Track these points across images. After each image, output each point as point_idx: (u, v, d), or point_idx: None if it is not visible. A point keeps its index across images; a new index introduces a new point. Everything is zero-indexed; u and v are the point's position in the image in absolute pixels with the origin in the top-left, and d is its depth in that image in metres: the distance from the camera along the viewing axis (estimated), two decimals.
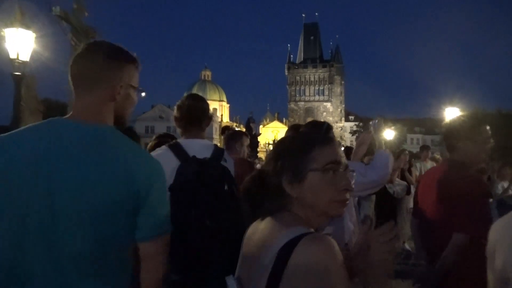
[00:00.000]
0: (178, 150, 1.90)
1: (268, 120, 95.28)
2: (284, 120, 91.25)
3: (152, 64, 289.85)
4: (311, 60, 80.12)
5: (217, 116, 73.44)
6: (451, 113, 17.38)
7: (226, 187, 1.87)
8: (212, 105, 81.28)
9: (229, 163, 2.02)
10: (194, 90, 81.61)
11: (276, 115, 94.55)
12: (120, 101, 1.19)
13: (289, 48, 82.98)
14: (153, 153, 1.86)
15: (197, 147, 1.93)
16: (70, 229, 1.02)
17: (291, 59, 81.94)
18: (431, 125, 68.03)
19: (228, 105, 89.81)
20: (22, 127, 1.15)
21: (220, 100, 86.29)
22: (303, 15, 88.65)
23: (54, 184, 1.02)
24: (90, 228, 1.03)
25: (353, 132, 66.77)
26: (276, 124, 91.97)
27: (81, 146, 1.07)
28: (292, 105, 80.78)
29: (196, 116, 2.06)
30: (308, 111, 79.14)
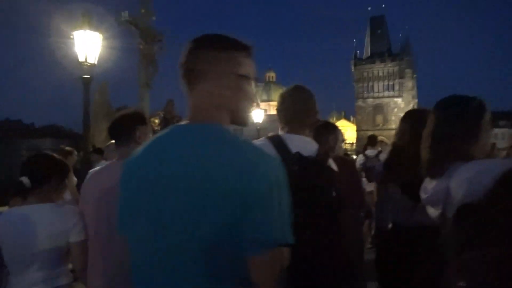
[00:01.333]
0: (279, 144, 1.66)
1: (334, 119, 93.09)
2: (351, 119, 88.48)
3: None
4: (378, 55, 76.41)
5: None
6: None
7: (334, 193, 1.60)
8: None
9: (332, 164, 1.77)
10: (259, 93, 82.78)
11: (342, 113, 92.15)
12: (231, 95, 1.05)
13: (354, 44, 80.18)
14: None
15: (300, 143, 1.69)
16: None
17: (357, 55, 78.92)
18: None
19: None
20: (148, 143, 1.09)
21: None
22: (369, 8, 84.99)
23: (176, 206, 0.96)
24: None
25: None
26: (343, 122, 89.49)
27: (199, 149, 0.98)
28: (359, 102, 77.69)
29: (300, 109, 1.87)
30: (377, 108, 75.51)
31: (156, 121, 11.70)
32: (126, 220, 1.08)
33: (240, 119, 1.10)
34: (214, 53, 1.04)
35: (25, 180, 1.87)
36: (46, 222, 1.83)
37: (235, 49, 1.06)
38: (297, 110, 1.86)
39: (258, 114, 16.16)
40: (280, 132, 1.85)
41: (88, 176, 2.02)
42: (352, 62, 78.01)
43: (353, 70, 77.91)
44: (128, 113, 2.01)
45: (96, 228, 1.80)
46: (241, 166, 0.91)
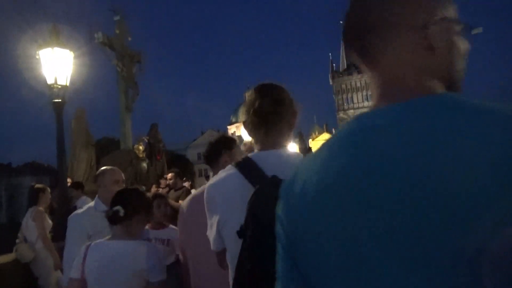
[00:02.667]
0: (248, 170, 1.24)
1: (317, 133, 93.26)
2: (333, 131, 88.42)
3: (199, 89, 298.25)
4: (355, 66, 77.51)
5: None
6: None
7: None
8: None
9: None
10: (239, 112, 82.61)
11: (324, 126, 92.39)
12: (441, 53, 0.67)
13: (330, 57, 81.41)
14: (214, 178, 1.39)
15: (277, 162, 1.23)
16: None
17: (334, 68, 79.87)
18: None
19: None
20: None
21: None
22: (341, 22, 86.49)
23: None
24: None
25: None
26: (325, 136, 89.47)
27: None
28: (341, 114, 78.29)
29: (270, 116, 1.32)
30: None
31: (141, 147, 10.84)
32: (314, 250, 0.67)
33: (456, 85, 0.70)
34: None
35: (120, 209, 2.02)
36: (130, 259, 1.93)
37: None
38: (267, 118, 1.33)
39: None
40: (252, 153, 1.34)
41: (187, 202, 2.22)
42: (330, 75, 78.89)
43: (331, 83, 78.73)
44: (216, 138, 2.16)
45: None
46: None
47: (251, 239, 1.05)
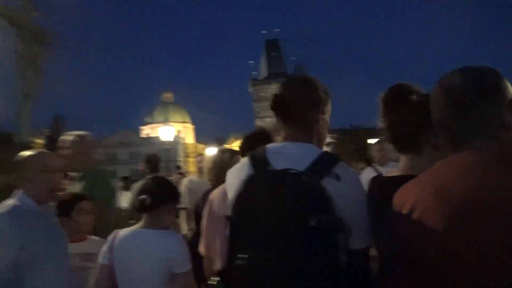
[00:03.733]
0: (257, 158, 1.32)
1: (234, 138, 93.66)
2: None
3: (113, 88, 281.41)
4: (274, 76, 79.82)
5: (182, 138, 71.64)
6: None
7: (312, 222, 1.08)
8: (176, 127, 79.10)
9: (346, 181, 1.23)
10: (156, 113, 79.65)
11: (242, 134, 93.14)
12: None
13: (251, 65, 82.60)
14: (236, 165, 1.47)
15: (292, 154, 1.29)
16: None
17: (254, 76, 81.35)
18: None
19: (193, 127, 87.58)
20: None
21: (184, 122, 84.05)
22: (263, 31, 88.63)
23: None
24: None
25: (328, 144, 66.23)
26: None
27: None
28: (258, 122, 79.55)
29: (292, 107, 1.40)
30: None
31: (40, 142, 9.23)
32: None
33: None
34: None
35: (146, 198, 1.99)
36: (157, 248, 1.93)
37: None
38: (289, 110, 1.41)
39: (168, 131, 14.07)
40: (272, 144, 1.43)
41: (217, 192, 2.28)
42: (249, 83, 79.99)
43: (250, 90, 79.82)
44: (253, 132, 2.37)
45: None
46: None
47: (231, 223, 1.20)
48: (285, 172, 1.16)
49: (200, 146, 73.54)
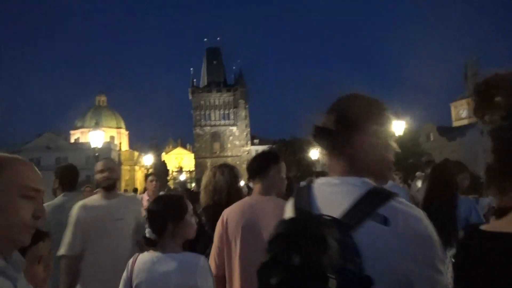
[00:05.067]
0: (300, 197, 1.13)
1: (171, 146, 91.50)
2: (188, 146, 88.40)
3: (40, 87, 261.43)
4: (215, 84, 79.44)
5: (116, 145, 68.31)
6: (397, 126, 17.18)
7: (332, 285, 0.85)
8: (109, 132, 75.40)
9: (398, 226, 0.93)
10: (88, 117, 75.30)
11: (179, 141, 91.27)
12: None
13: (192, 72, 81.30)
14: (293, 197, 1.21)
15: (333, 193, 1.06)
16: None
17: (195, 83, 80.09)
18: None
19: (127, 133, 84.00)
20: None
21: (118, 127, 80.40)
22: (205, 39, 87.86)
23: None
24: None
25: None
26: (179, 150, 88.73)
27: None
28: (197, 130, 78.44)
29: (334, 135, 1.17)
30: (214, 135, 77.85)
31: None
32: None
33: None
34: None
35: (149, 232, 1.95)
36: (179, 273, 1.87)
37: None
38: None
39: (98, 136, 12.92)
40: (320, 179, 1.16)
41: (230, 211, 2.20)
42: (190, 90, 78.74)
43: (190, 98, 78.60)
44: (261, 153, 2.41)
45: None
46: None
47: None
48: (316, 218, 0.96)
49: (135, 153, 71.35)
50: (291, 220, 1.00)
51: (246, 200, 2.31)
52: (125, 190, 14.96)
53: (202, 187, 2.81)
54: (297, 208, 1.10)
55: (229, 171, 2.73)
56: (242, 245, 2.12)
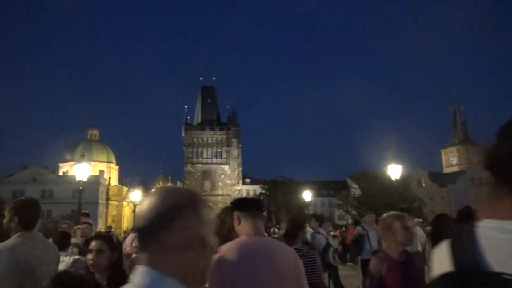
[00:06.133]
0: (461, 245, 0.85)
1: (161, 183, 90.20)
2: (178, 183, 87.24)
3: (31, 119, 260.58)
4: (208, 122, 79.81)
5: (105, 179, 67.20)
6: (394, 170, 17.00)
7: None
8: (99, 167, 74.30)
9: None
10: (78, 150, 74.07)
11: (169, 178, 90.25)
12: None
13: (186, 110, 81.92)
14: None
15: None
16: None
17: (188, 121, 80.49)
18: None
19: (117, 167, 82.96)
20: None
21: (108, 162, 79.52)
22: (201, 78, 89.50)
23: None
24: None
25: (258, 195, 66.14)
26: None
27: None
28: (188, 167, 77.82)
29: None
30: (206, 173, 77.14)
31: None
32: None
33: None
34: None
35: None
36: None
37: None
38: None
39: (83, 169, 12.45)
40: (485, 221, 0.85)
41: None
42: (183, 127, 78.92)
43: (183, 135, 78.60)
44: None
45: None
46: None
47: None
48: (490, 277, 0.74)
49: (124, 188, 70.04)
50: (451, 278, 0.79)
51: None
52: (109, 227, 14.31)
53: None
54: (457, 260, 0.82)
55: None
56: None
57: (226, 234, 2.60)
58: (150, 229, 0.92)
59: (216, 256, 2.07)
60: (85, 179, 12.25)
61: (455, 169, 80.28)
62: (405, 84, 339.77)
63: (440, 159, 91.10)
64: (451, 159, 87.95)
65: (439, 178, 67.76)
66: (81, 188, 12.08)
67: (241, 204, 2.29)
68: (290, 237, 4.06)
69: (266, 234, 2.58)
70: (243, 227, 2.19)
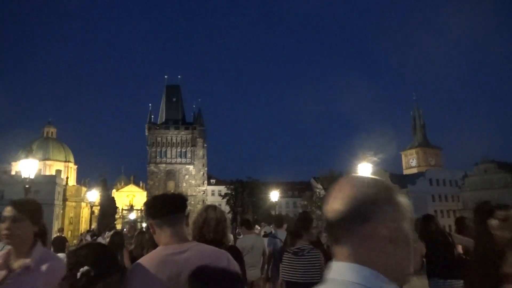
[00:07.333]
0: None
1: (122, 183, 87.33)
2: (141, 184, 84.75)
3: None
4: (173, 122, 78.02)
5: (62, 179, 63.97)
6: (364, 169, 16.88)
7: None
8: (57, 166, 70.82)
9: None
10: (34, 148, 70.06)
11: (132, 178, 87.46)
12: None
13: (150, 108, 79.66)
14: None
15: None
16: None
17: (152, 120, 78.30)
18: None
19: (75, 167, 79.39)
20: None
21: (66, 161, 75.93)
22: (166, 76, 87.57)
23: None
24: None
25: (224, 196, 65.34)
26: (131, 188, 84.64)
27: None
28: (152, 167, 75.70)
29: None
30: (170, 173, 75.32)
31: None
32: None
33: None
34: None
35: None
36: None
37: None
38: None
39: (30, 165, 11.28)
40: None
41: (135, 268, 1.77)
42: (147, 126, 76.80)
43: (147, 134, 76.48)
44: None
45: None
46: None
47: None
48: None
49: (83, 189, 66.96)
50: None
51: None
52: (61, 229, 13.23)
53: (191, 221, 2.79)
54: None
55: (220, 211, 2.87)
56: None
57: (212, 237, 2.59)
58: (346, 222, 0.85)
59: (129, 275, 1.74)
60: (32, 176, 11.14)
61: (414, 170, 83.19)
62: (372, 88, 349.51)
63: (401, 161, 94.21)
64: (410, 161, 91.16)
65: (400, 179, 69.75)
66: (27, 186, 10.98)
67: (154, 210, 1.84)
68: (295, 236, 4.12)
69: (232, 235, 2.30)
70: (160, 236, 1.82)
